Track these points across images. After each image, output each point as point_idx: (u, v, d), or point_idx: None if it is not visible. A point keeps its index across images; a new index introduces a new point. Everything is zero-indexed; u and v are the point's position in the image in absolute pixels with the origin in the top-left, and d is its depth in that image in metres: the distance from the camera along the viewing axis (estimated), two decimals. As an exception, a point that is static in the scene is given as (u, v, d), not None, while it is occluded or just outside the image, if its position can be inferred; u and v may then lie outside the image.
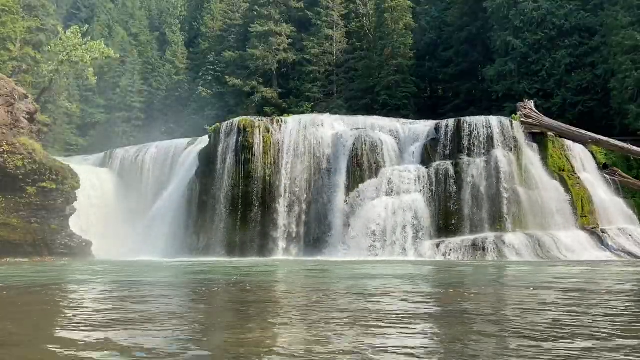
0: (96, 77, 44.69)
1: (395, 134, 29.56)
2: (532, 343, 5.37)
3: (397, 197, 26.55)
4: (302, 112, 43.26)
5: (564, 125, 29.77)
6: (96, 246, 28.22)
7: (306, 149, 28.85)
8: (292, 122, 29.91)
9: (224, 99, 56.61)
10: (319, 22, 53.43)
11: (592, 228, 26.30)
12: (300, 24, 56.87)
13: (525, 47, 40.85)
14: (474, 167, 26.46)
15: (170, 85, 62.46)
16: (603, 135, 29.96)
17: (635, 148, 29.08)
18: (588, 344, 5.38)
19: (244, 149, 28.71)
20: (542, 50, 40.72)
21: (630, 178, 29.94)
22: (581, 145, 29.75)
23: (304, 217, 28.08)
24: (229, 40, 59.84)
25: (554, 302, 8.79)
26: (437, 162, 27.18)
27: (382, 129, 29.67)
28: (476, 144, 27.10)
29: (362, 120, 31.25)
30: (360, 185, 27.32)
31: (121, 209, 33.31)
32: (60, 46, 37.91)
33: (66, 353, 5.11)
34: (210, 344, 5.60)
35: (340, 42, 53.08)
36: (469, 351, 5.08)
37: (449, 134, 27.76)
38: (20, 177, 26.41)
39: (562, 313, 7.45)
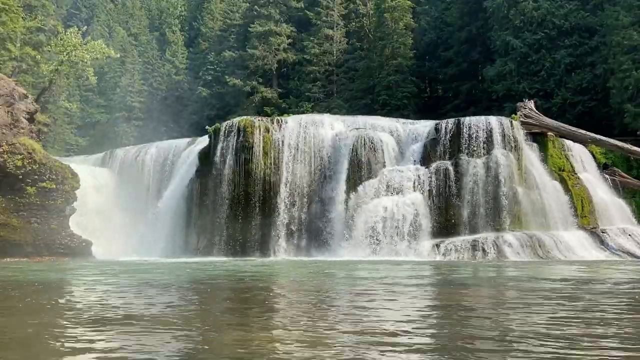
0: (96, 77, 44.75)
1: (395, 134, 29.56)
2: (532, 343, 5.37)
3: (397, 197, 26.55)
4: (302, 112, 43.24)
5: (564, 125, 29.76)
6: (96, 246, 28.22)
7: (306, 149, 28.84)
8: (292, 122, 29.90)
9: (224, 99, 56.62)
10: (319, 22, 53.44)
11: (592, 228, 26.30)
12: (300, 24, 56.88)
13: (525, 47, 40.85)
14: (474, 167, 26.46)
15: (170, 85, 62.48)
16: (603, 135, 29.96)
17: (635, 148, 29.09)
18: (587, 344, 5.38)
19: (244, 149, 28.70)
20: (542, 50, 40.71)
21: (630, 178, 29.95)
22: (581, 145, 29.76)
23: (304, 217, 28.07)
24: (229, 40, 59.85)
25: (553, 302, 8.80)
26: (437, 162, 27.17)
27: (382, 129, 29.67)
28: (476, 144, 27.08)
29: (362, 120, 31.23)
30: (360, 185, 27.31)
31: (121, 209, 33.29)
32: (60, 46, 37.92)
33: (74, 347, 5.12)
34: (210, 344, 5.60)
35: (340, 42, 53.09)
36: (468, 351, 5.08)
37: (449, 134, 27.75)
38: (20, 177, 26.41)
39: (562, 314, 7.45)
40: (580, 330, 6.11)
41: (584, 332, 5.98)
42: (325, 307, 8.44)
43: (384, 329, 6.24)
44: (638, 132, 32.53)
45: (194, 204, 30.30)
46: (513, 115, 29.34)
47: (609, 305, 8.43)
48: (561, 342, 5.38)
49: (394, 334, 5.94)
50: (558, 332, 5.95)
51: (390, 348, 5.24)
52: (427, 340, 5.79)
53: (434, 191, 26.56)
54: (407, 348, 5.24)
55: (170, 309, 8.24)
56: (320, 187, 28.35)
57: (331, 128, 29.91)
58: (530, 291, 10.64)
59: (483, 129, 27.26)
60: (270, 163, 28.56)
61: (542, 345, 5.25)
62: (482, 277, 14.75)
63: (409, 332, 6.08)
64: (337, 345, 5.38)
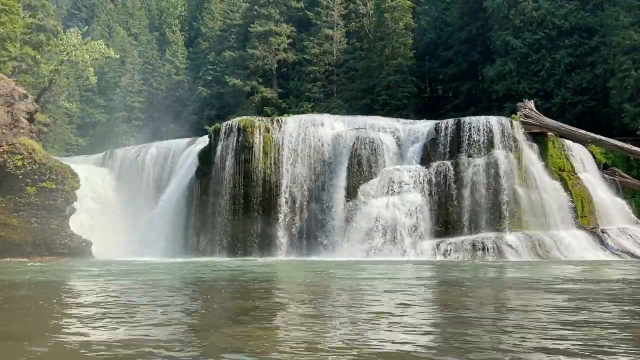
0: (96, 77, 44.77)
1: (395, 134, 29.55)
2: (532, 344, 5.37)
3: (397, 197, 26.54)
4: (302, 112, 43.25)
5: (564, 125, 29.75)
6: (96, 246, 28.22)
7: (306, 149, 28.85)
8: (292, 122, 29.90)
9: (224, 99, 56.61)
10: (319, 22, 53.44)
11: (592, 228, 26.30)
12: (300, 24, 56.88)
13: (525, 47, 40.85)
14: (474, 167, 26.45)
15: (170, 85, 62.48)
16: (603, 135, 29.95)
17: (635, 148, 29.07)
18: (586, 343, 5.38)
19: (244, 149, 28.70)
20: (542, 50, 40.71)
21: (630, 178, 29.94)
22: (581, 145, 29.74)
23: (304, 217, 28.07)
24: (229, 40, 59.85)
25: (554, 302, 8.79)
26: (437, 162, 27.16)
27: (382, 129, 29.65)
28: (476, 144, 27.07)
29: (362, 120, 31.22)
30: (360, 185, 27.31)
31: (121, 209, 33.31)
32: (60, 46, 37.93)
33: (76, 344, 5.12)
34: (209, 343, 5.60)
35: (340, 42, 53.09)
36: (467, 352, 5.08)
37: (449, 134, 27.74)
38: (20, 177, 26.41)
39: (562, 314, 7.45)
40: (577, 329, 6.11)
41: (581, 331, 5.98)
42: (324, 307, 8.44)
43: (384, 329, 6.24)
44: (638, 132, 32.52)
45: (194, 204, 30.31)
46: (513, 115, 29.34)
47: (609, 305, 8.42)
48: (560, 342, 5.37)
49: (392, 334, 5.94)
50: (557, 332, 5.94)
51: (388, 348, 5.23)
52: (426, 340, 5.78)
53: (434, 191, 26.55)
54: (404, 348, 5.24)
55: (170, 309, 8.24)
56: (320, 187, 28.35)
57: (331, 128, 29.92)
58: (529, 291, 10.63)
59: (483, 129, 27.25)
60: (270, 163, 28.56)
61: (540, 347, 5.25)
62: (482, 278, 14.75)
63: (408, 333, 6.07)
64: (337, 345, 5.38)
